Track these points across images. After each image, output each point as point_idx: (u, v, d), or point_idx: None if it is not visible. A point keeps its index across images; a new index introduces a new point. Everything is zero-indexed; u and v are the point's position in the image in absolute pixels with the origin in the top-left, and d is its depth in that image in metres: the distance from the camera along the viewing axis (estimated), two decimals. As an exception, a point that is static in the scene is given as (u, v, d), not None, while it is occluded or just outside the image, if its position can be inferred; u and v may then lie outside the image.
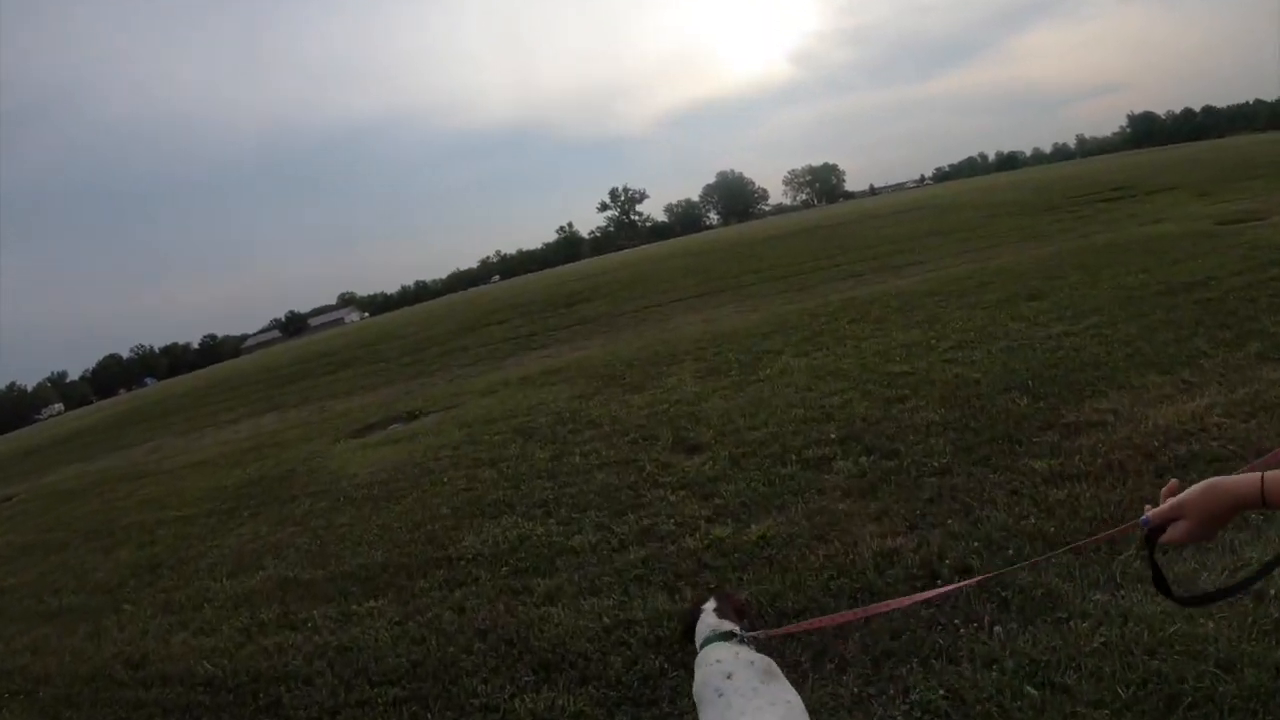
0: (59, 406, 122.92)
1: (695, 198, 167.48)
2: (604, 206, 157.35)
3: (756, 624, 2.28)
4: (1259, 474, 1.19)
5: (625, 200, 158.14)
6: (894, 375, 6.65)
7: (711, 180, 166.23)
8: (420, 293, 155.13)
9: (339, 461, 8.71)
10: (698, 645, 2.03)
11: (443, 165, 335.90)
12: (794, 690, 1.82)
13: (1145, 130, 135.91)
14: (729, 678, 1.79)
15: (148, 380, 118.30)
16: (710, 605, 2.13)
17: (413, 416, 10.70)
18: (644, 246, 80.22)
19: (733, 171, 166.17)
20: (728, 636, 1.96)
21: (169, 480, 11.04)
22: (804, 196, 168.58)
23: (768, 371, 7.65)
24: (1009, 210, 22.87)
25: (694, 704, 1.89)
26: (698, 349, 9.82)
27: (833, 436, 5.31)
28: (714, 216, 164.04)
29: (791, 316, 11.16)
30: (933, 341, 7.65)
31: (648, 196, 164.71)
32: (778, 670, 1.88)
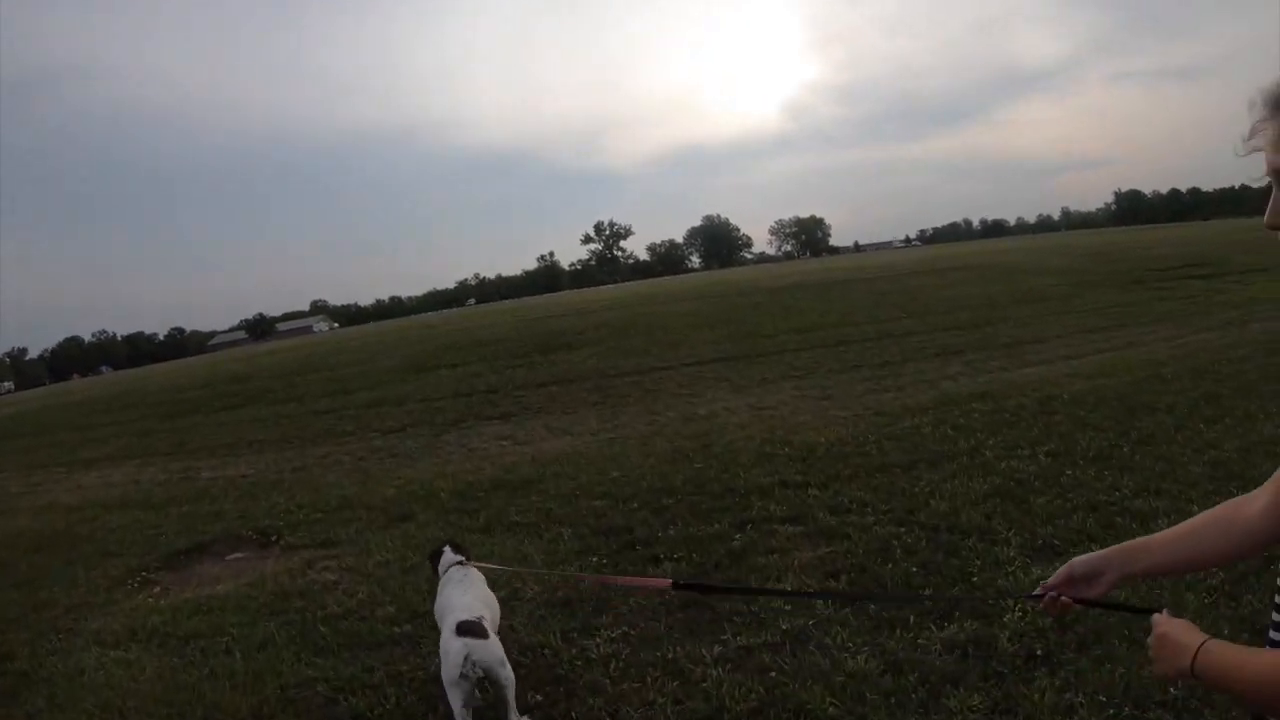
0: (9, 385, 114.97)
1: (679, 239, 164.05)
2: (588, 239, 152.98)
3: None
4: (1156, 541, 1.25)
5: (610, 234, 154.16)
6: None
7: (696, 223, 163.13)
8: (394, 308, 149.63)
9: (67, 675, 4.11)
10: (441, 570, 3.37)
11: (431, 183, 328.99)
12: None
13: (1131, 207, 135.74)
14: (466, 575, 3.28)
15: (103, 369, 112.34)
16: (448, 547, 3.49)
17: (266, 540, 6.15)
18: (633, 284, 75.25)
19: (718, 216, 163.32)
20: (461, 563, 3.35)
21: None
22: (788, 247, 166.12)
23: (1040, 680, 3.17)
24: (1087, 280, 18.96)
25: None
26: (781, 486, 5.36)
27: None
28: (696, 259, 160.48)
29: (916, 423, 6.80)
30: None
31: (634, 233, 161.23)
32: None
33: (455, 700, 2.74)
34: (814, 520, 4.64)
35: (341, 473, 8.43)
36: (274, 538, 6.15)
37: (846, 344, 12.34)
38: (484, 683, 2.82)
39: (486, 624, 2.90)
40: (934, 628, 3.23)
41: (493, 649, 2.81)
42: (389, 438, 10.20)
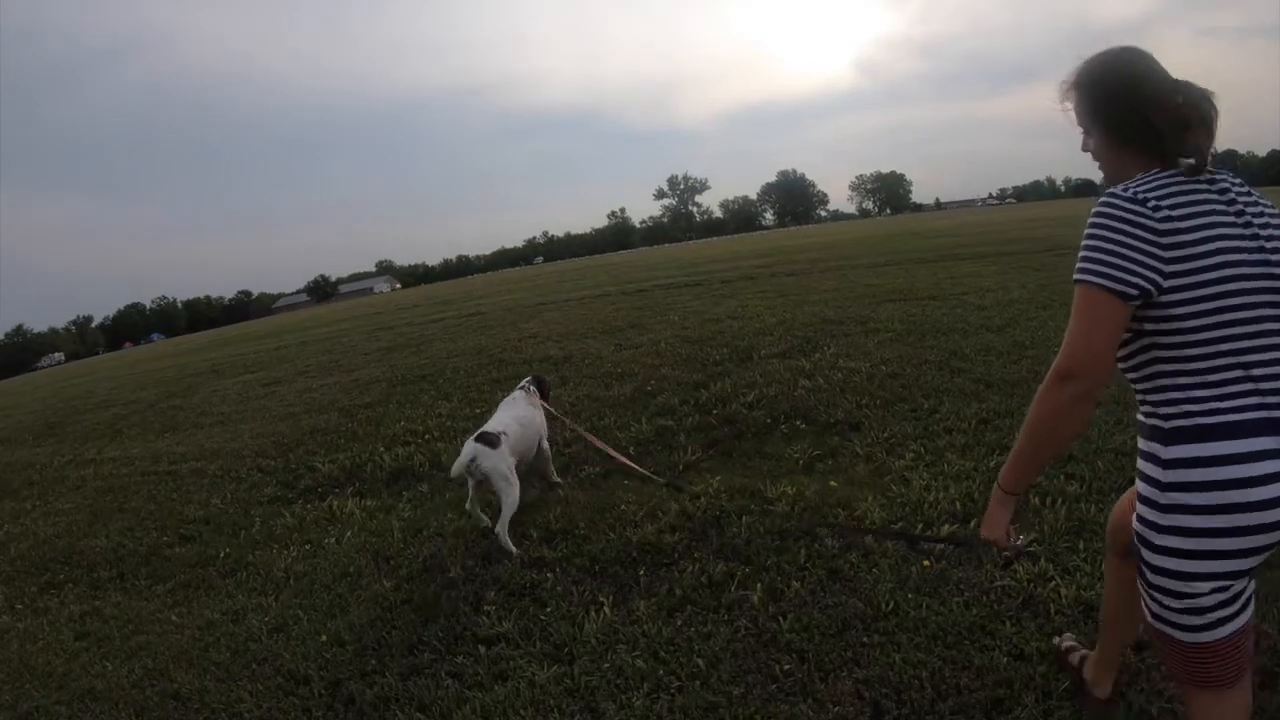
0: (59, 356, 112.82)
1: (752, 195, 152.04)
2: (661, 194, 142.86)
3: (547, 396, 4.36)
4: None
5: (685, 189, 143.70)
6: None
7: (771, 179, 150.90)
8: (462, 266, 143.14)
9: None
10: (516, 392, 4.20)
11: (501, 142, 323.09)
12: (540, 410, 4.11)
13: (1226, 168, 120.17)
14: (518, 399, 4.06)
15: (154, 337, 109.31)
16: (529, 379, 4.29)
17: None
18: (744, 235, 65.51)
19: (794, 171, 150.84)
20: (524, 389, 4.15)
21: None
22: (868, 204, 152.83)
23: None
24: None
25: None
26: None
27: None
28: (769, 216, 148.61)
29: None
30: None
31: (709, 187, 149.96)
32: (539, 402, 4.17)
33: (470, 488, 3.49)
34: None
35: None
36: None
37: None
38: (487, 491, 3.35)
39: (505, 440, 3.42)
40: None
41: (496, 459, 3.30)
42: None
